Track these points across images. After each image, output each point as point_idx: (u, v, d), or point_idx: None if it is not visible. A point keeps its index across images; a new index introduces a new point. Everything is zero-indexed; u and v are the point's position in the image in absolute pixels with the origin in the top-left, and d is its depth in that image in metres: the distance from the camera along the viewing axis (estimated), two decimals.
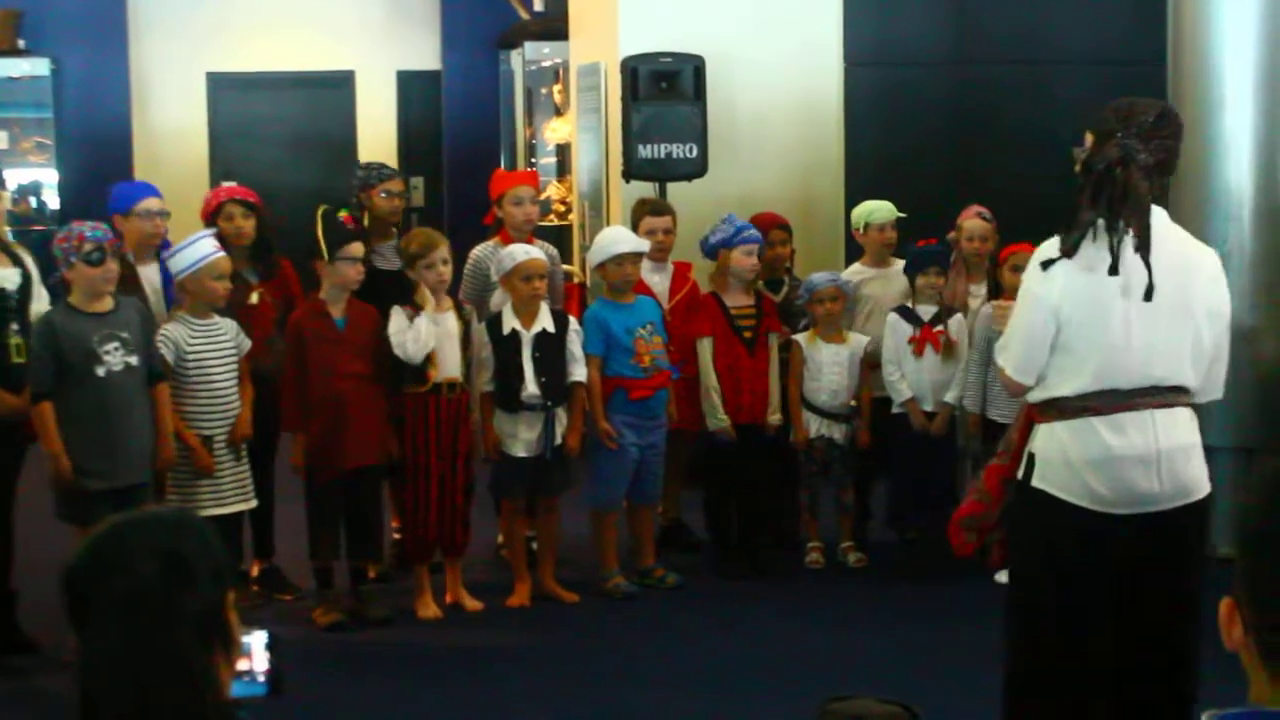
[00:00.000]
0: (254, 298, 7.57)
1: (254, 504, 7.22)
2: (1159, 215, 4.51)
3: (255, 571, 7.79)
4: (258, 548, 7.81)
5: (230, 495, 7.05)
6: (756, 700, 6.41)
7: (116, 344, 6.59)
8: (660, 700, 6.48)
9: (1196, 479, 4.54)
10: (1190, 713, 4.59)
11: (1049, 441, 4.50)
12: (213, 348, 7.02)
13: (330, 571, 7.39)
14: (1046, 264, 4.46)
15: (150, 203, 7.46)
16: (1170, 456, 4.46)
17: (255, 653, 2.54)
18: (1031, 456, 4.54)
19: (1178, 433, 4.50)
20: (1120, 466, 4.41)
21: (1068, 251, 4.41)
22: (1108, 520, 4.44)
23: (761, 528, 8.31)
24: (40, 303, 6.90)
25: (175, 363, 6.93)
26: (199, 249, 7.01)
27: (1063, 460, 4.46)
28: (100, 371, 6.56)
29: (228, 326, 7.10)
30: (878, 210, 8.56)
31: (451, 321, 7.45)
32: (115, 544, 2.43)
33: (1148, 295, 4.38)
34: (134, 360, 6.64)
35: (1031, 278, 4.52)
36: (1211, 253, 4.66)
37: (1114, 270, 4.38)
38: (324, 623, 7.23)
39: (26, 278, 6.88)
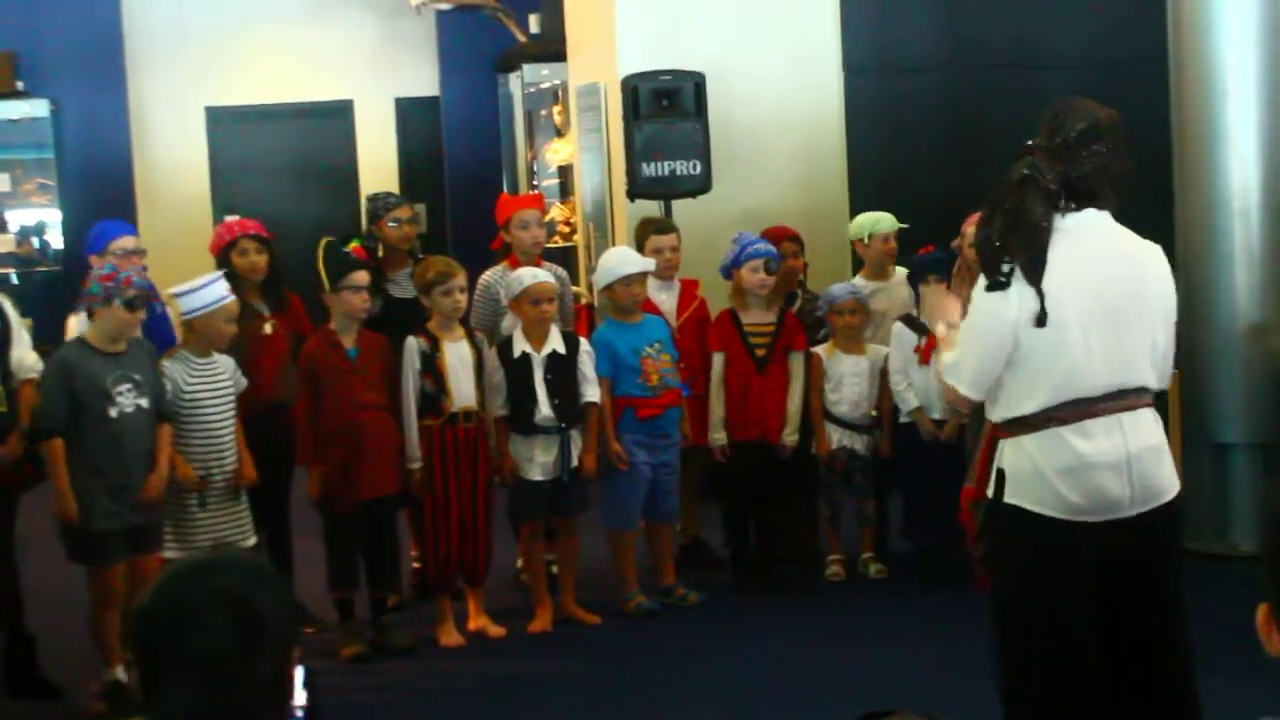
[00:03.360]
0: (267, 328, 7.56)
1: (253, 541, 7.03)
2: (1094, 220, 4.44)
3: None
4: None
5: (228, 535, 6.88)
6: (786, 716, 6.38)
7: (129, 385, 6.56)
8: None
9: (1168, 480, 4.49)
10: (1192, 711, 4.56)
11: (1017, 455, 4.44)
12: (210, 387, 6.92)
13: (350, 603, 7.36)
14: (990, 286, 4.41)
15: (125, 241, 7.39)
16: (1140, 459, 4.41)
17: (294, 689, 2.52)
18: (1001, 473, 4.49)
19: (1145, 434, 4.45)
20: (1090, 473, 4.37)
21: (1000, 285, 4.37)
22: (1082, 529, 4.39)
23: (779, 542, 8.30)
24: (20, 348, 6.82)
25: (171, 400, 6.83)
26: (213, 291, 6.94)
27: (1032, 472, 4.40)
28: (113, 412, 6.52)
29: (225, 365, 7.00)
30: (882, 220, 8.55)
31: (465, 350, 7.45)
32: (186, 595, 2.39)
33: (1039, 322, 4.34)
34: (144, 402, 6.59)
35: (984, 295, 4.44)
36: (1157, 248, 4.59)
37: (1000, 285, 4.35)
38: (347, 655, 7.20)
39: (4, 324, 6.81)
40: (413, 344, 7.35)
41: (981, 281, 4.45)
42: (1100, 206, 4.45)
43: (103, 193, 14.47)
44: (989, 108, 10.67)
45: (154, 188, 15.23)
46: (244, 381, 7.06)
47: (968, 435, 8.03)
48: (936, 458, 7.89)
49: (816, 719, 6.29)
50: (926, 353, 7.93)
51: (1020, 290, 4.36)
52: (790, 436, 8.07)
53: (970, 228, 8.26)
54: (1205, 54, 8.21)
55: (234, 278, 7.28)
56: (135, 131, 15.28)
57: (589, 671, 7.08)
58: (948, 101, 10.80)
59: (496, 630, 7.52)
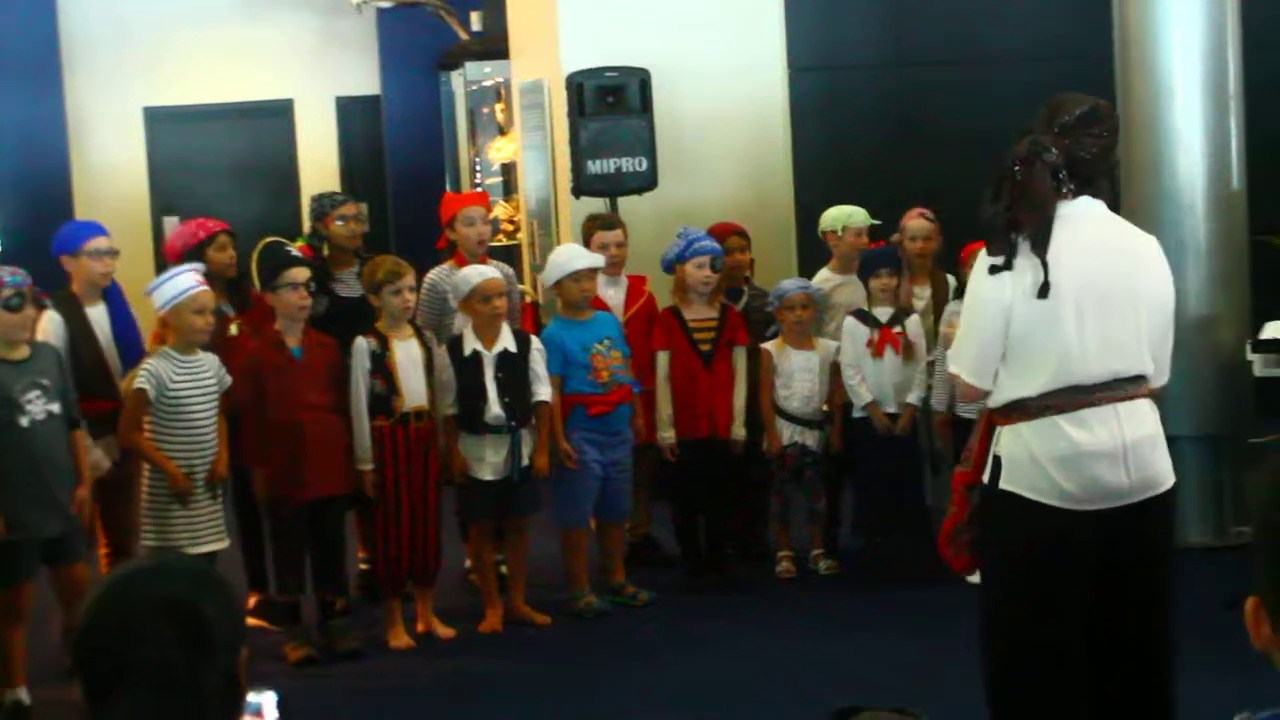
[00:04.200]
0: (233, 329, 7.48)
1: (227, 543, 7.00)
2: (1091, 207, 4.46)
3: (252, 603, 7.69)
4: (253, 580, 7.74)
5: (206, 534, 6.84)
6: (740, 714, 6.36)
7: (38, 392, 6.42)
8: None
9: (1163, 470, 4.51)
10: (1171, 706, 4.56)
11: (1014, 442, 4.45)
12: (195, 384, 6.84)
13: (297, 605, 7.29)
14: (995, 269, 4.42)
15: (99, 241, 7.30)
16: (1136, 449, 4.42)
17: (267, 712, 2.45)
18: (997, 459, 4.50)
19: (1141, 424, 4.47)
20: (1087, 462, 4.38)
21: (1005, 263, 4.38)
22: (1077, 517, 4.40)
23: (729, 539, 8.27)
24: None
25: (156, 398, 6.76)
26: (180, 282, 6.84)
27: (1029, 459, 4.41)
28: (24, 422, 6.39)
29: (210, 363, 6.92)
30: (856, 214, 8.55)
31: (415, 349, 7.37)
32: (130, 606, 2.32)
33: (1042, 293, 4.34)
34: (55, 408, 6.47)
35: (980, 282, 4.48)
36: (1151, 239, 4.65)
37: (1008, 265, 4.36)
38: (294, 658, 7.13)
39: None
40: (362, 344, 7.27)
41: (979, 267, 4.46)
42: (1095, 195, 4.47)
43: (40, 194, 14.28)
44: (934, 104, 10.70)
45: (92, 189, 15.05)
46: (228, 379, 6.98)
47: (921, 429, 8.05)
48: (890, 452, 7.88)
49: (770, 716, 6.28)
50: (880, 346, 7.93)
51: (1022, 267, 4.36)
52: (738, 431, 8.04)
53: (911, 222, 8.31)
54: (1151, 54, 8.23)
55: (207, 277, 7.19)
56: (73, 133, 15.10)
57: (540, 671, 7.04)
58: (893, 98, 10.81)
59: (446, 631, 7.46)
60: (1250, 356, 8.04)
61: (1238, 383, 8.19)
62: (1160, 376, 4.58)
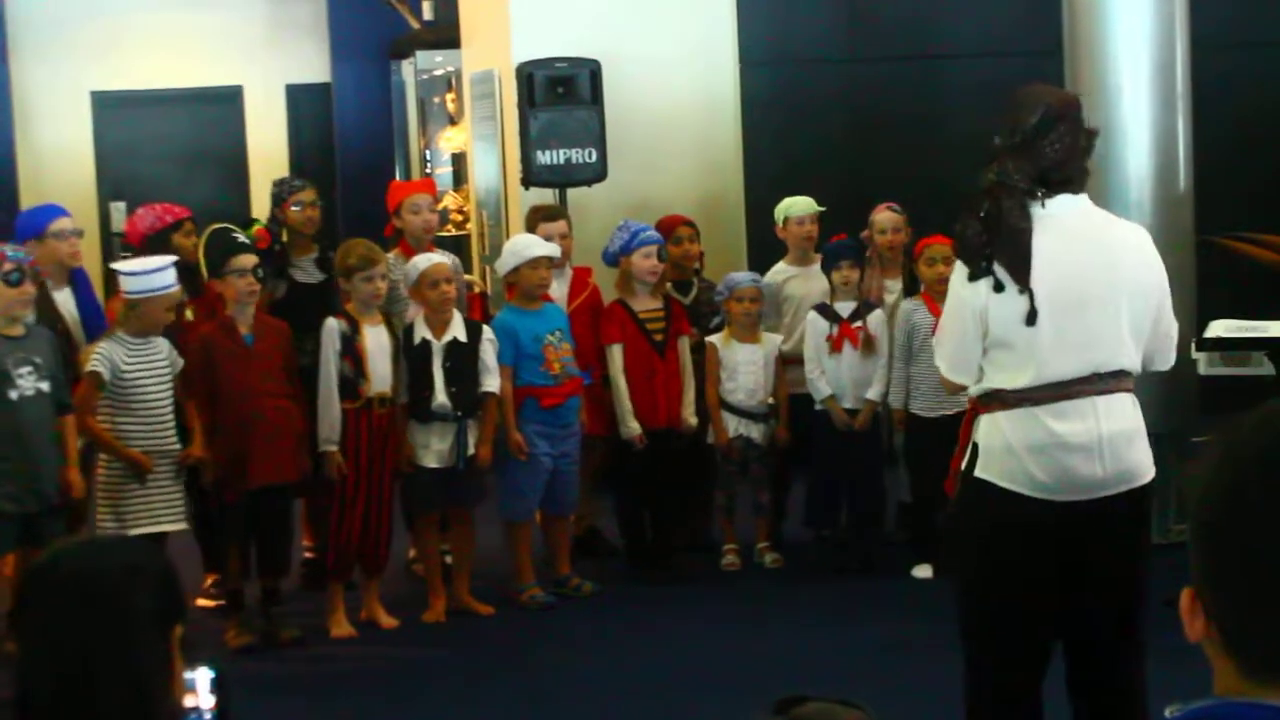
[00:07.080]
0: (189, 314, 7.45)
1: (185, 525, 7.00)
2: (1066, 205, 4.47)
3: (209, 583, 7.67)
4: (209, 561, 7.70)
5: (162, 514, 6.83)
6: (683, 705, 6.35)
7: (30, 368, 6.45)
8: (583, 712, 6.41)
9: (1140, 464, 4.51)
10: (1143, 699, 4.58)
11: (991, 430, 4.48)
12: (148, 367, 6.84)
13: (241, 593, 7.25)
14: (973, 276, 4.45)
15: (63, 222, 7.29)
16: (1113, 441, 4.43)
17: (201, 690, 2.43)
18: (975, 447, 4.52)
19: (1120, 418, 4.47)
20: (1062, 453, 4.39)
21: (981, 274, 4.41)
22: (1051, 508, 4.42)
23: (675, 531, 8.25)
24: None
25: (111, 381, 6.76)
26: (163, 277, 6.84)
27: (1004, 448, 4.43)
28: (13, 395, 6.41)
29: (162, 345, 6.92)
30: (796, 204, 8.52)
31: (384, 336, 7.35)
32: (71, 550, 2.31)
33: (1030, 320, 4.36)
34: (45, 386, 6.50)
35: (959, 281, 4.52)
36: (1138, 229, 4.68)
37: (980, 274, 4.39)
38: (235, 645, 7.10)
39: None
40: (333, 325, 7.25)
41: (961, 270, 4.49)
42: (1075, 190, 4.48)
43: None
44: (886, 99, 10.70)
45: (38, 174, 14.95)
46: (180, 361, 6.97)
47: (884, 425, 8.04)
48: (847, 446, 7.87)
49: (712, 706, 6.27)
50: (838, 341, 7.92)
51: (998, 282, 4.38)
52: (690, 419, 8.03)
53: (879, 215, 8.30)
54: (1099, 52, 8.25)
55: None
56: (18, 116, 15.00)
57: (483, 662, 7.02)
58: (844, 92, 10.81)
59: (389, 621, 7.43)
60: (1195, 355, 8.07)
61: (1182, 381, 8.21)
62: (1158, 362, 4.61)
